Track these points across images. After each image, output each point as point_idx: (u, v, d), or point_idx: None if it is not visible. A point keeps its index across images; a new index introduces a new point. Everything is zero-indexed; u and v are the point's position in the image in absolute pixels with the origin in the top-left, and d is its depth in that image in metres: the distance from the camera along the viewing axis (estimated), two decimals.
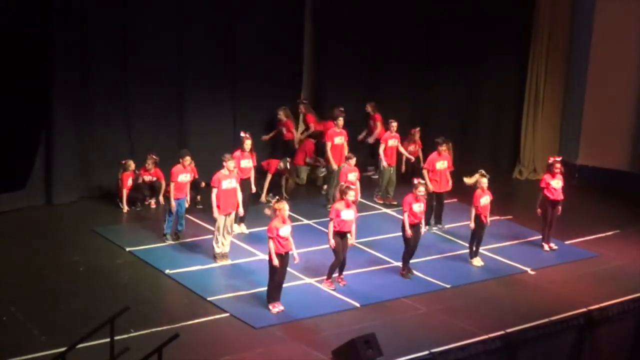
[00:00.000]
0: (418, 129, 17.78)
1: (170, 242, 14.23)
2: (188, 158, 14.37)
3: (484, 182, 13.99)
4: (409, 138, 17.58)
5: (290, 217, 12.15)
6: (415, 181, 13.45)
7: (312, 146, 17.86)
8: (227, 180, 13.52)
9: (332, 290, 12.70)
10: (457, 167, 17.39)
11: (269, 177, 16.35)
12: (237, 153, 14.82)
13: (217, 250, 13.53)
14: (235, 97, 17.56)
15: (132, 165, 15.77)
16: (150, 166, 15.80)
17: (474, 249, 14.07)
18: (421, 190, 13.27)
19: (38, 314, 11.50)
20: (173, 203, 14.07)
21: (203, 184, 15.60)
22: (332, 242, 12.51)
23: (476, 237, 13.99)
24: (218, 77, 17.26)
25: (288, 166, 16.24)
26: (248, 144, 14.94)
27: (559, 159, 14.93)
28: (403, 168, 17.36)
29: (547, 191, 14.67)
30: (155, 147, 16.18)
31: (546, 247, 14.85)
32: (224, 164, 13.55)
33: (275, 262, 11.66)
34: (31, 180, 13.82)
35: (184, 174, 14.29)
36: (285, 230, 11.79)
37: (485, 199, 13.96)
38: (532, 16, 19.11)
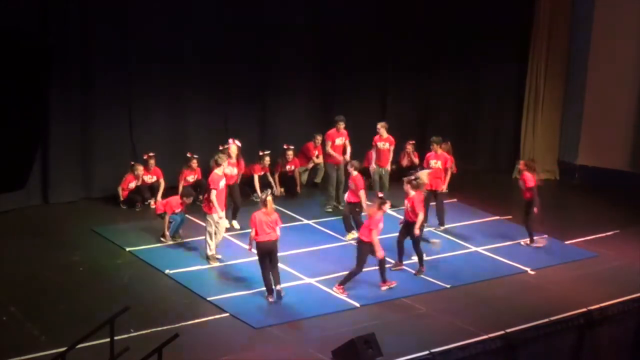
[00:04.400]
0: (412, 142, 17.86)
1: (171, 242, 14.23)
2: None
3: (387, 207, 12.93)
4: (403, 152, 17.71)
5: (290, 217, 12.17)
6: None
7: (313, 149, 17.83)
8: (221, 181, 13.53)
9: (345, 296, 12.54)
10: (457, 167, 17.44)
11: (256, 177, 16.36)
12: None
13: (210, 252, 13.49)
14: (235, 99, 17.53)
15: (140, 169, 15.78)
16: (150, 166, 15.80)
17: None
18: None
19: (38, 314, 11.50)
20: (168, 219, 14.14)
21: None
22: (381, 252, 12.51)
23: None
24: (218, 78, 17.22)
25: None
26: (233, 150, 14.79)
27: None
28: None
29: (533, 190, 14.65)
30: (156, 147, 16.17)
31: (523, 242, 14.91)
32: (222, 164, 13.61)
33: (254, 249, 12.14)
34: (31, 180, 13.90)
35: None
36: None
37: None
38: (532, 16, 19.11)
